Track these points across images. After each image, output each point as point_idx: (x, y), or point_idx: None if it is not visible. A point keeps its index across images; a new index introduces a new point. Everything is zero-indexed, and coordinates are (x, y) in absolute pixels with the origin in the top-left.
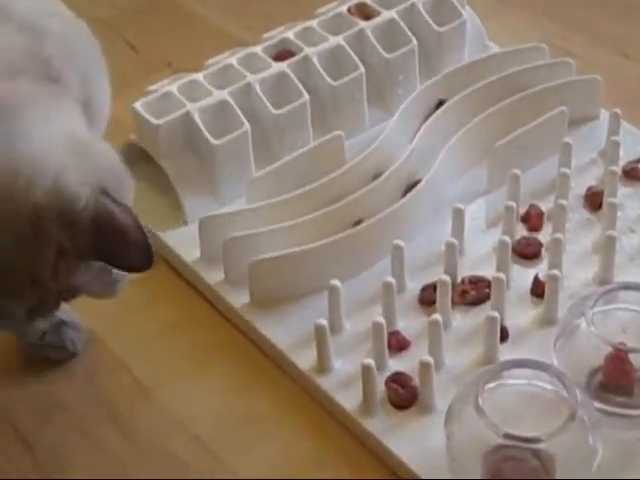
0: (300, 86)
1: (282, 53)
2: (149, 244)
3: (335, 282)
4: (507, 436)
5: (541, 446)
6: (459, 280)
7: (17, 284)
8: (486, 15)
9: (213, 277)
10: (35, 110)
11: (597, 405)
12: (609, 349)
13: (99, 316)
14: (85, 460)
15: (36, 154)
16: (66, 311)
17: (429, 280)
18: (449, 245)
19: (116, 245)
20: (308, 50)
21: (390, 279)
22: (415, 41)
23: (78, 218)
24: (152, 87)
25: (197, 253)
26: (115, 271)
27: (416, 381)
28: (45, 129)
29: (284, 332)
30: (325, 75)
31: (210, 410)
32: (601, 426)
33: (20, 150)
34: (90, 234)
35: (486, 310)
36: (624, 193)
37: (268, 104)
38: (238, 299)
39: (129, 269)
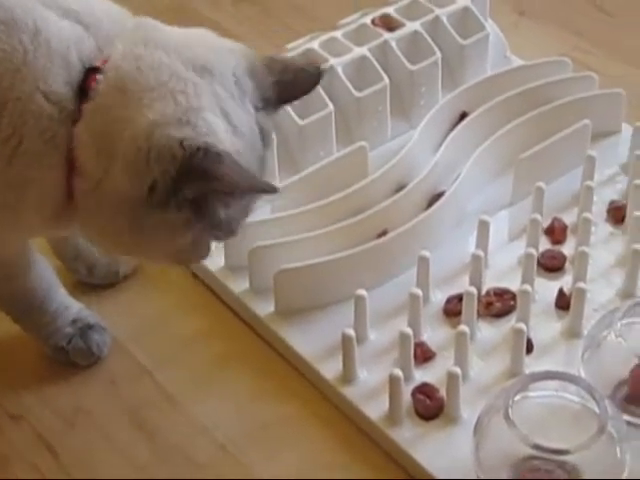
0: (325, 97)
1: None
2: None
3: (362, 292)
4: (536, 447)
5: (569, 458)
6: (484, 292)
7: None
8: (508, 28)
9: (238, 286)
10: None
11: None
12: (636, 361)
13: (125, 322)
14: (109, 465)
15: None
16: (92, 315)
17: (454, 291)
18: (475, 257)
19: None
20: (333, 61)
21: (417, 290)
22: (439, 53)
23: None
24: None
25: (222, 262)
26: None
27: (442, 392)
28: None
29: (309, 341)
30: (350, 86)
31: (234, 418)
32: (628, 439)
33: None
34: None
35: (511, 322)
36: None
37: (293, 114)
38: (263, 308)
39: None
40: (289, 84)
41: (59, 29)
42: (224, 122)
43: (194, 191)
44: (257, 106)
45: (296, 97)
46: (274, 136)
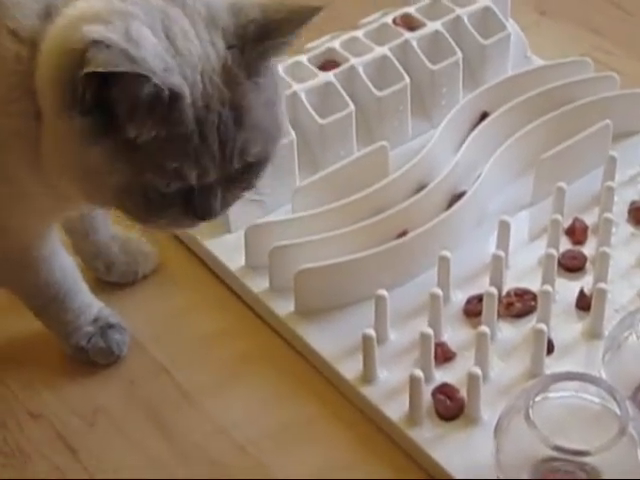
0: (346, 96)
1: (327, 63)
2: None
3: (382, 292)
4: (557, 448)
5: (589, 460)
6: (505, 292)
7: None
8: (528, 27)
9: (258, 285)
10: None
11: None
12: None
13: (144, 321)
14: (129, 464)
15: None
16: (113, 314)
17: (474, 292)
18: (495, 257)
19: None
20: (354, 60)
21: (437, 290)
22: (460, 53)
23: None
24: None
25: (242, 261)
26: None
27: (463, 393)
28: None
29: (329, 341)
30: (370, 85)
31: (253, 417)
32: None
33: None
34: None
35: (531, 322)
36: None
37: (314, 113)
38: (283, 308)
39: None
40: (279, 21)
41: None
42: (162, 40)
43: (88, 88)
44: (232, 43)
45: (283, 34)
46: (294, 134)
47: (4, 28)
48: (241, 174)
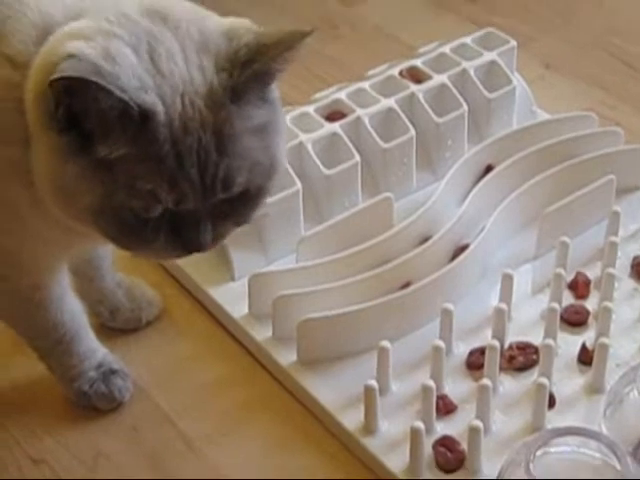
0: (352, 147)
1: (334, 113)
2: None
3: (385, 343)
4: None
5: None
6: (507, 345)
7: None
8: (534, 81)
9: (261, 334)
10: None
11: None
12: None
13: (147, 368)
14: None
15: None
16: (116, 360)
17: (476, 344)
18: (498, 310)
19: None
20: (360, 111)
21: (440, 342)
22: (465, 106)
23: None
24: None
25: (245, 309)
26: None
27: (464, 445)
28: None
29: (331, 391)
30: (376, 137)
31: (255, 466)
32: None
33: None
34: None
35: (533, 376)
36: None
37: (319, 164)
38: (285, 357)
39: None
40: (269, 45)
41: None
42: (144, 61)
43: (60, 102)
44: (222, 67)
45: (272, 57)
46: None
47: (1, 56)
48: (231, 205)
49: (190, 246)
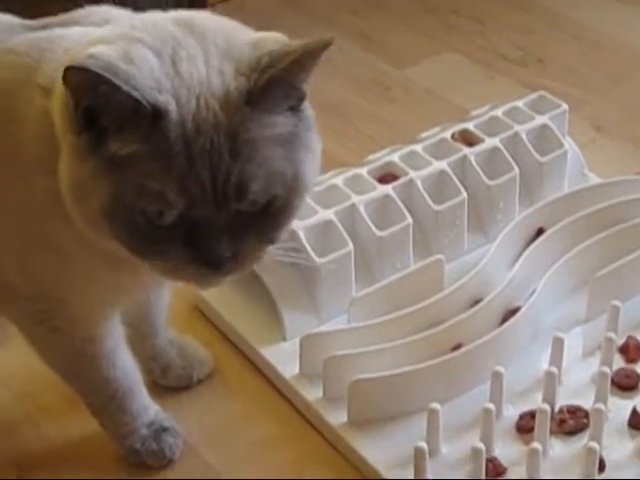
0: (404, 209)
1: (386, 175)
2: None
3: (435, 405)
4: None
5: None
6: (557, 409)
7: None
8: (585, 145)
9: (311, 394)
10: None
11: None
12: None
13: (197, 425)
14: None
15: None
16: (167, 418)
17: (526, 407)
18: (549, 374)
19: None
20: (413, 174)
21: (490, 405)
22: (517, 169)
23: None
24: None
25: (296, 369)
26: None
27: None
28: None
29: (381, 452)
30: (428, 199)
31: None
32: None
33: None
34: None
35: (583, 440)
36: None
37: (372, 225)
38: (336, 417)
39: None
40: (288, 52)
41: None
42: (165, 63)
43: (79, 104)
44: (243, 72)
45: (290, 64)
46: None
47: (36, 87)
48: (253, 220)
49: (206, 257)
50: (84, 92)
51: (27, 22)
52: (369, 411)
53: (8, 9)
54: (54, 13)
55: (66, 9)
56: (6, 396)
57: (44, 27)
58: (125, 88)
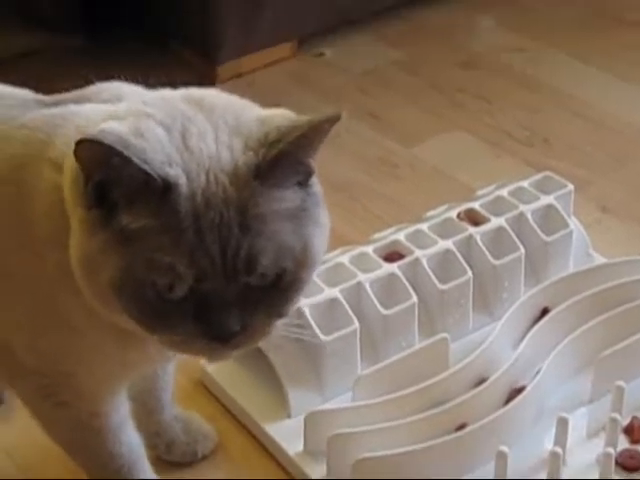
0: (409, 288)
1: (392, 254)
2: None
3: None
4: None
5: None
6: None
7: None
8: (590, 225)
9: (316, 472)
10: None
11: None
12: None
13: None
14: None
15: None
16: None
17: None
18: (553, 454)
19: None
20: (418, 253)
21: None
22: (522, 249)
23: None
24: None
25: (300, 446)
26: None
27: None
28: None
29: None
30: (434, 278)
31: None
32: None
33: None
34: None
35: None
36: None
37: (377, 304)
38: None
39: None
40: (296, 127)
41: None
42: (174, 138)
43: (90, 179)
44: (251, 147)
45: (297, 138)
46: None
47: (47, 161)
48: (263, 293)
49: (216, 331)
50: (95, 165)
51: (41, 97)
52: None
53: (24, 84)
54: (67, 89)
55: (77, 86)
56: (10, 469)
57: (57, 103)
58: (136, 161)
